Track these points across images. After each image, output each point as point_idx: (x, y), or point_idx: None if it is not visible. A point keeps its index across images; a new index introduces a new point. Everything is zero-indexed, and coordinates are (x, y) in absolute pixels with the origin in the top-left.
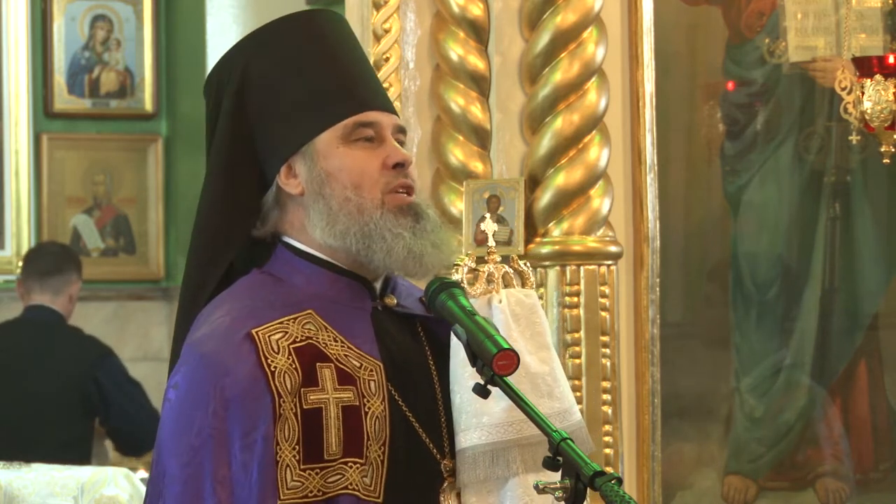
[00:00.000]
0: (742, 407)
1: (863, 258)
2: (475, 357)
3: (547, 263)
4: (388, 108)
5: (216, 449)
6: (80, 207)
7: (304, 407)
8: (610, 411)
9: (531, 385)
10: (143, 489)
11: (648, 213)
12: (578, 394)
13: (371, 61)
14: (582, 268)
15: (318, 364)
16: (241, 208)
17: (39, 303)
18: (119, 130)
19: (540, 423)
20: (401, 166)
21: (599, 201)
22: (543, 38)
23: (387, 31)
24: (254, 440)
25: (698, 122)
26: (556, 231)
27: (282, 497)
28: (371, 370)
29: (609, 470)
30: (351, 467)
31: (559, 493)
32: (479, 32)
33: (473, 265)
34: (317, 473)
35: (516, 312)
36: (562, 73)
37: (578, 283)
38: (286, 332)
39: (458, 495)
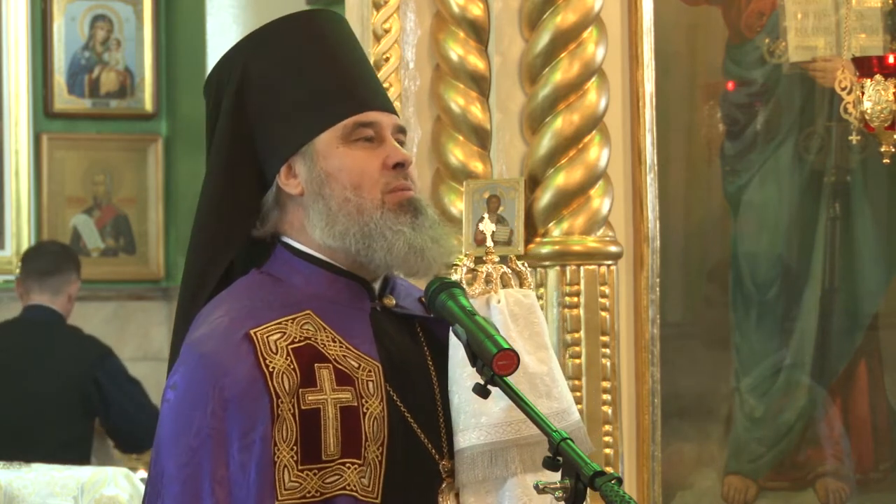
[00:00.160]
0: (742, 407)
1: (863, 258)
2: (475, 357)
3: (547, 263)
4: (387, 108)
5: (214, 449)
6: (80, 207)
7: (303, 407)
8: (610, 411)
9: (529, 385)
10: (143, 489)
11: (648, 213)
12: (578, 394)
13: (371, 61)
14: (582, 268)
15: (316, 364)
16: (240, 208)
17: (39, 303)
18: (119, 130)
19: (540, 423)
20: (401, 166)
21: (599, 201)
22: (543, 38)
23: (387, 31)
24: (252, 441)
25: (698, 122)
26: (556, 231)
27: (279, 497)
28: (369, 371)
29: (609, 470)
30: (349, 468)
31: (559, 493)
32: (479, 32)
33: (472, 265)
34: (314, 474)
35: (515, 312)
36: (562, 73)
37: (578, 283)
38: (284, 333)
39: (457, 496)
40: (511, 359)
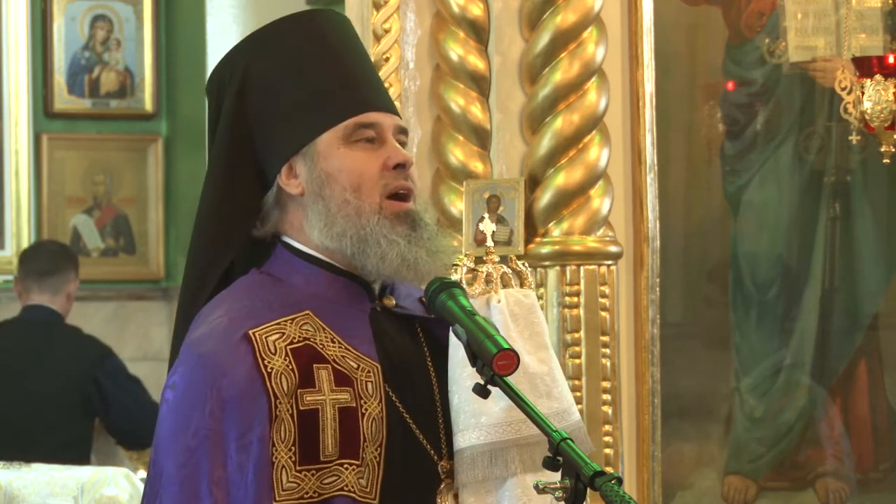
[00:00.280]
0: (742, 407)
1: (863, 258)
2: (475, 357)
3: (547, 263)
4: (389, 108)
5: (212, 450)
6: (80, 207)
7: (301, 408)
8: (610, 411)
9: (530, 385)
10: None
11: (648, 213)
12: (578, 394)
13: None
14: (582, 268)
15: (315, 365)
16: (241, 208)
17: (38, 302)
18: (119, 130)
19: (540, 423)
20: (401, 167)
21: (599, 201)
22: (543, 38)
23: (387, 31)
24: (249, 441)
25: (698, 122)
26: (556, 231)
27: (277, 498)
28: (368, 371)
29: (609, 470)
30: (347, 469)
31: (559, 493)
32: (479, 32)
33: (472, 265)
34: (312, 475)
35: (515, 312)
36: (562, 73)
37: (578, 283)
38: (283, 333)
39: (456, 497)
40: (511, 359)
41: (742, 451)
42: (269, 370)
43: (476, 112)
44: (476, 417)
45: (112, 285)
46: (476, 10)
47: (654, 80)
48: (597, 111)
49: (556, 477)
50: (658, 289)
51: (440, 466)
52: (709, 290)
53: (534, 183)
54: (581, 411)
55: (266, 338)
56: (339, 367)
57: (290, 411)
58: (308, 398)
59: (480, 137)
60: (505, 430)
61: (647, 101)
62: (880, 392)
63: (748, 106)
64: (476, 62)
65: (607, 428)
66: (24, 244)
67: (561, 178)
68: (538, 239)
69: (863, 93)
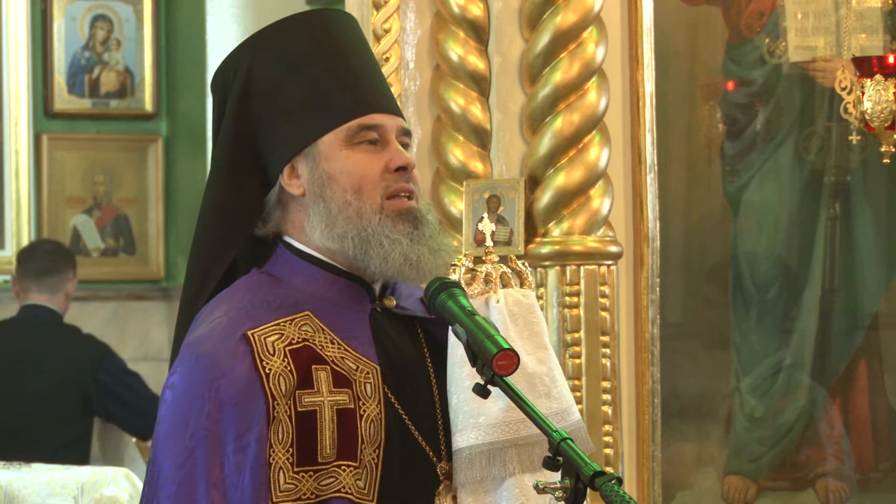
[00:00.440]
0: (742, 407)
1: (863, 258)
2: (475, 357)
3: (547, 263)
4: (393, 110)
5: (210, 450)
6: (80, 207)
7: (299, 409)
8: (610, 411)
9: (528, 385)
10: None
11: (648, 213)
12: (578, 394)
13: None
14: (582, 268)
15: (313, 366)
16: (243, 207)
17: (37, 302)
18: (119, 130)
19: (540, 424)
20: (403, 170)
21: (599, 201)
22: (543, 38)
23: (387, 31)
24: (247, 442)
25: (698, 122)
26: (556, 231)
27: (274, 499)
28: (367, 373)
29: (609, 470)
30: (344, 470)
31: (559, 493)
32: (479, 32)
33: (471, 265)
34: (310, 476)
35: (514, 312)
36: (562, 73)
37: (578, 283)
38: (282, 334)
39: (454, 498)
40: (511, 359)
41: (742, 451)
42: (268, 371)
43: (476, 112)
44: (474, 417)
45: (112, 285)
46: (476, 10)
47: (654, 80)
48: (597, 111)
49: (555, 477)
50: (658, 289)
51: (439, 468)
52: (709, 290)
53: (534, 183)
54: (581, 411)
55: (265, 339)
56: (338, 369)
57: (289, 412)
58: (306, 399)
59: (480, 137)
60: (503, 430)
61: (647, 101)
62: (880, 392)
63: (748, 106)
64: (476, 62)
65: (607, 428)
66: (24, 244)
67: (561, 178)
68: (538, 239)
69: (863, 93)
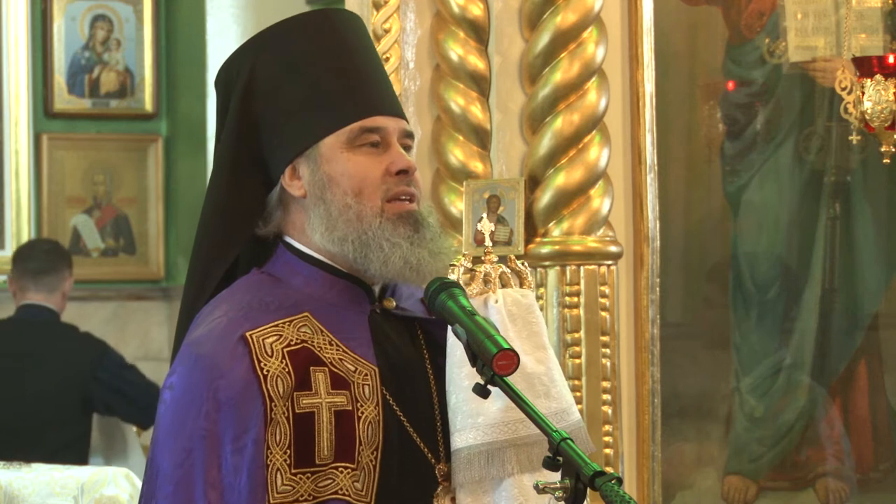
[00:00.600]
0: (742, 407)
1: (863, 258)
2: (475, 357)
3: (547, 263)
4: (396, 112)
5: (208, 451)
6: (80, 207)
7: (297, 411)
8: (610, 411)
9: (527, 385)
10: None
11: (648, 213)
12: (578, 394)
13: None
14: (582, 268)
15: (311, 368)
16: (245, 207)
17: (35, 301)
18: (119, 130)
19: (540, 424)
20: (404, 173)
21: (599, 201)
22: (543, 38)
23: (387, 31)
24: (244, 443)
25: (698, 122)
26: (556, 231)
27: (271, 500)
28: (366, 374)
29: (609, 470)
30: (342, 472)
31: (559, 493)
32: (479, 32)
33: (469, 265)
34: (308, 478)
35: (513, 312)
36: (562, 73)
37: (578, 283)
38: (281, 335)
39: (453, 500)
40: (511, 359)
41: (742, 451)
42: (265, 373)
43: (476, 112)
44: (473, 418)
45: (112, 285)
46: (476, 10)
47: (654, 80)
48: (597, 111)
49: (555, 477)
50: (658, 289)
51: (437, 469)
52: (709, 290)
53: (534, 183)
54: (581, 411)
55: (263, 340)
56: (336, 370)
57: (286, 414)
58: (304, 401)
59: (480, 137)
60: (501, 430)
61: (647, 101)
62: (880, 392)
63: (748, 106)
64: (476, 62)
65: (607, 428)
66: None
67: (561, 178)
68: (538, 239)
69: (863, 93)
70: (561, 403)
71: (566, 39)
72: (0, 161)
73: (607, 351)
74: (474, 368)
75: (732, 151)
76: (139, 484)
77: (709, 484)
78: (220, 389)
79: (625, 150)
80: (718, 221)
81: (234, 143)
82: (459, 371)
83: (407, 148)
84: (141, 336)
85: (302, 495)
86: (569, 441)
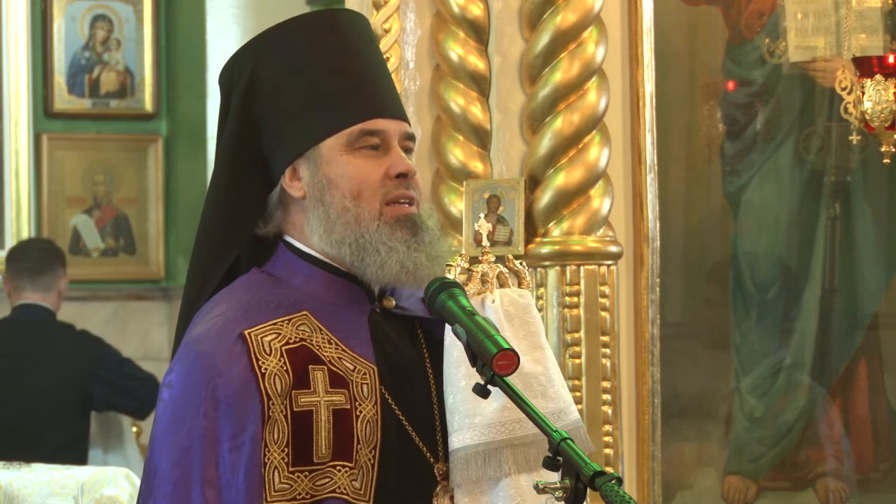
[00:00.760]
0: (742, 407)
1: (863, 258)
2: (475, 357)
3: (547, 263)
4: (398, 114)
5: (205, 449)
6: (80, 207)
7: (295, 409)
8: (610, 411)
9: (524, 385)
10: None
11: (648, 213)
12: (578, 394)
13: None
14: (582, 268)
15: (310, 366)
16: (246, 206)
17: (32, 301)
18: (119, 130)
19: (540, 424)
20: (403, 176)
21: (599, 201)
22: (543, 38)
23: (387, 31)
24: (242, 442)
25: (698, 122)
26: (556, 231)
27: (269, 499)
28: (364, 373)
29: (609, 470)
30: (339, 471)
31: (559, 493)
32: (479, 32)
33: (467, 265)
34: (305, 476)
35: (510, 312)
36: (562, 73)
37: (578, 283)
38: (279, 334)
39: (452, 499)
40: (511, 359)
41: (742, 451)
42: (263, 371)
43: (476, 112)
44: (470, 418)
45: (112, 285)
46: (476, 10)
47: (654, 80)
48: (597, 111)
49: (555, 477)
50: (658, 289)
51: (436, 469)
52: (709, 290)
53: (534, 183)
54: (581, 411)
55: (261, 338)
56: (335, 369)
57: (284, 412)
58: (302, 399)
59: (480, 137)
60: (498, 431)
61: (647, 101)
62: (880, 392)
63: (748, 106)
64: (476, 62)
65: (607, 428)
66: None
67: (561, 178)
68: (538, 239)
69: (863, 93)
70: (558, 403)
71: (566, 39)
72: (0, 161)
73: (607, 351)
74: (473, 368)
75: (732, 151)
76: (139, 483)
77: (709, 484)
78: (218, 388)
79: (625, 150)
80: (718, 221)
81: (235, 142)
82: (457, 371)
83: (408, 150)
84: (141, 336)
85: (299, 494)
86: (569, 441)
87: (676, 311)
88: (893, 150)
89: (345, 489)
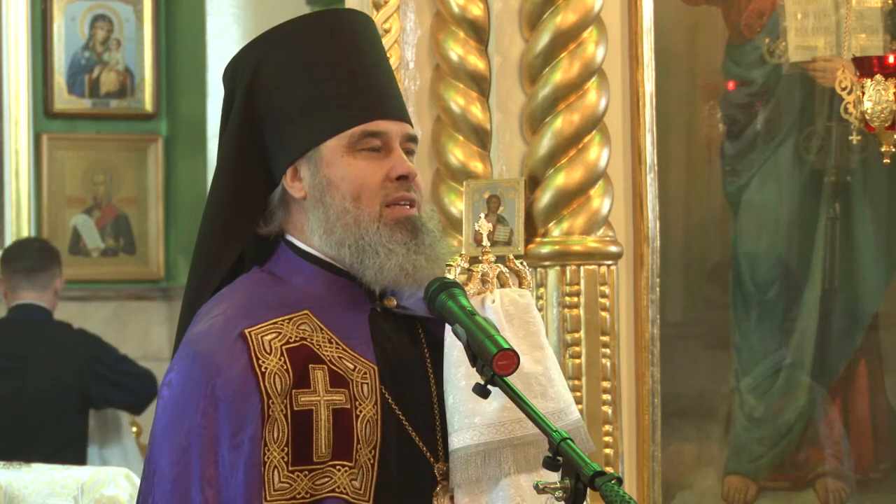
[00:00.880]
0: (742, 407)
1: (863, 258)
2: (475, 357)
3: (547, 263)
4: (400, 115)
5: (205, 448)
6: (80, 207)
7: (295, 408)
8: (610, 411)
9: (524, 385)
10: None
11: (648, 213)
12: (578, 394)
13: None
14: (582, 268)
15: (310, 365)
16: (247, 205)
17: (28, 301)
18: (119, 130)
19: (540, 424)
20: (404, 178)
21: (599, 201)
22: (543, 38)
23: (387, 31)
24: (241, 441)
25: (698, 122)
26: (556, 231)
27: (268, 498)
28: (364, 373)
29: (609, 470)
30: (339, 470)
31: (559, 493)
32: (479, 32)
33: (467, 265)
34: (305, 475)
35: (510, 312)
36: (562, 73)
37: (578, 283)
38: (279, 333)
39: (452, 499)
40: (511, 359)
41: (742, 451)
42: (263, 370)
43: (476, 112)
44: (470, 418)
45: (112, 285)
46: (476, 10)
47: (654, 80)
48: (597, 111)
49: (555, 477)
50: (658, 289)
51: (436, 469)
52: (709, 290)
53: (534, 183)
54: (581, 411)
55: (262, 337)
56: (336, 368)
57: (284, 411)
58: (302, 399)
59: (480, 137)
60: (498, 431)
61: (647, 101)
62: (880, 392)
63: (748, 106)
64: (476, 62)
65: (607, 428)
66: None
67: (561, 178)
68: (538, 239)
69: (863, 93)
70: (558, 403)
71: (566, 39)
72: (0, 161)
73: (607, 351)
74: (473, 368)
75: (732, 151)
76: (139, 483)
77: (709, 484)
78: (217, 387)
79: (625, 150)
80: (718, 221)
81: (237, 141)
82: (457, 371)
83: (410, 152)
84: (141, 336)
85: (299, 493)
86: (569, 441)
87: (676, 311)
88: (893, 150)
89: (344, 489)
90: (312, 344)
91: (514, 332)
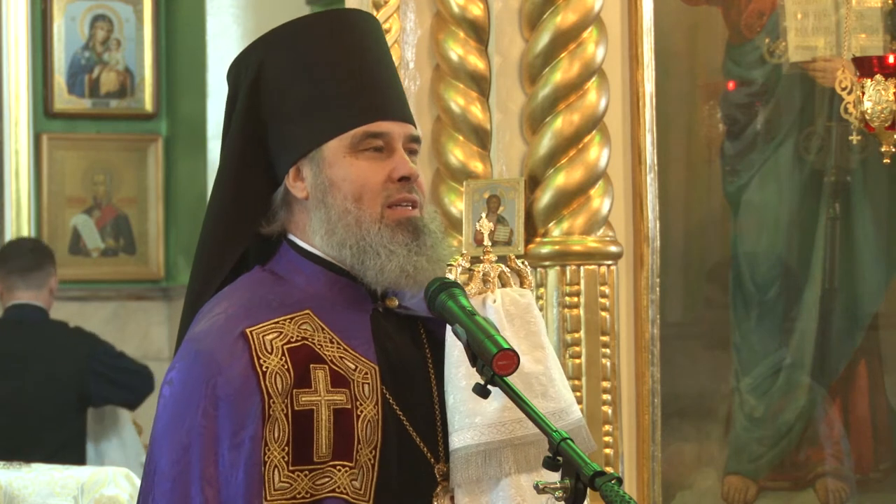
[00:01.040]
0: (742, 407)
1: (863, 258)
2: (475, 357)
3: (547, 263)
4: (403, 116)
5: (205, 447)
6: (80, 207)
7: (296, 408)
8: (610, 411)
9: (525, 385)
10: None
11: (648, 213)
12: (578, 394)
13: None
14: (582, 268)
15: (311, 365)
16: (250, 204)
17: (24, 300)
18: (119, 130)
19: (540, 424)
20: (406, 180)
21: (599, 201)
22: (543, 38)
23: (387, 31)
24: (241, 440)
25: (698, 122)
26: (556, 231)
27: (268, 498)
28: (365, 373)
29: (609, 470)
30: (339, 470)
31: (559, 493)
32: (479, 32)
33: (468, 265)
34: (305, 475)
35: (511, 312)
36: (562, 73)
37: (578, 283)
38: (281, 333)
39: (452, 499)
40: (511, 359)
41: (742, 451)
42: (264, 369)
43: (476, 112)
44: (470, 418)
45: (112, 285)
46: (476, 10)
47: (654, 80)
48: (597, 111)
49: (555, 477)
50: (658, 289)
51: (437, 469)
52: (709, 290)
53: (534, 183)
54: (581, 411)
55: (263, 336)
56: (337, 368)
57: (285, 411)
58: (303, 398)
59: (480, 137)
60: (499, 431)
61: (647, 101)
62: (880, 392)
63: (748, 106)
64: (476, 62)
65: (607, 428)
66: None
67: (561, 178)
68: (538, 239)
69: (863, 93)
70: (559, 403)
71: (566, 39)
72: (0, 161)
73: (607, 351)
74: (474, 368)
75: (732, 151)
76: (139, 483)
77: (709, 484)
78: (218, 386)
79: (625, 150)
80: (718, 221)
81: (240, 140)
82: (457, 371)
83: (413, 153)
84: (141, 336)
85: (299, 493)
86: (569, 441)
87: (676, 311)
88: (893, 150)
89: (345, 489)
90: (314, 344)
91: (514, 332)
